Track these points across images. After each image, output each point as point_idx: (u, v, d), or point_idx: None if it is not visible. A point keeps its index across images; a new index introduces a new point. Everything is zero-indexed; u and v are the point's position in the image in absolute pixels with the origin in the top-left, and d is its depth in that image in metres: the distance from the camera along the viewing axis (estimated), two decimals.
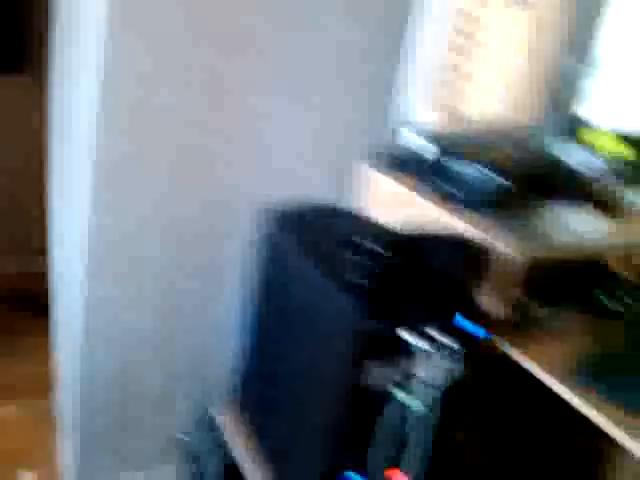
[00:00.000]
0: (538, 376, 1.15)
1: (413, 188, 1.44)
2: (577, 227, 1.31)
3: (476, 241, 1.23)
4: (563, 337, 1.26)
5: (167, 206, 1.60)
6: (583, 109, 1.63)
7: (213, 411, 1.66)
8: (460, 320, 1.16)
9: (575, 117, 1.64)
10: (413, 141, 1.49)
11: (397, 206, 1.47)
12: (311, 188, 1.70)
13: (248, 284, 1.57)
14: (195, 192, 1.62)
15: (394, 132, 1.54)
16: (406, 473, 1.18)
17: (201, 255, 1.69)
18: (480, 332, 1.17)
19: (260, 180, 1.66)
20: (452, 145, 1.43)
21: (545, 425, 1.39)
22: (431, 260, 1.19)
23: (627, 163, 1.56)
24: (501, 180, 1.30)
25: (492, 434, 1.35)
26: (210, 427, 1.67)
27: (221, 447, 1.59)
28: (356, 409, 1.14)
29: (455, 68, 1.44)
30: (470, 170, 1.33)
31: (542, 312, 1.27)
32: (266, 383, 1.46)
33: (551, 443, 1.45)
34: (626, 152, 1.59)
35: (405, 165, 1.50)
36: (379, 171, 1.54)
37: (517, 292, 1.22)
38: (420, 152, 1.47)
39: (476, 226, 1.26)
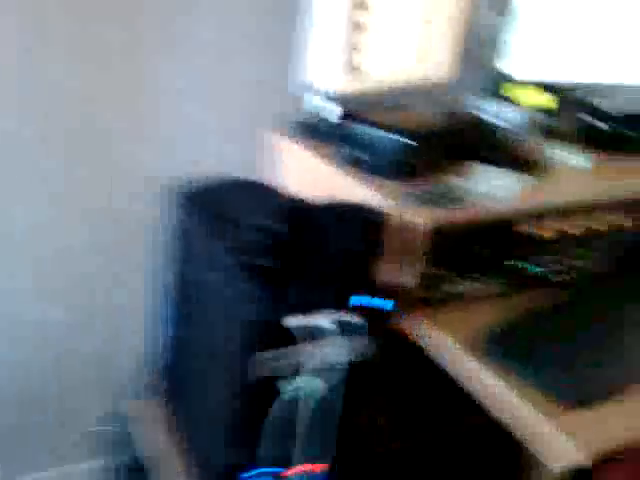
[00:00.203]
0: (447, 357, 1.06)
1: (320, 155, 1.34)
2: (493, 189, 1.22)
3: (381, 210, 1.14)
4: (479, 311, 1.17)
5: (59, 185, 1.47)
6: (503, 63, 1.54)
7: (130, 402, 1.56)
8: (362, 297, 1.06)
9: (495, 71, 1.54)
10: (320, 105, 1.39)
11: (306, 175, 1.37)
12: (222, 161, 1.58)
13: (159, 267, 1.46)
14: (91, 168, 1.49)
15: (301, 97, 1.43)
16: (316, 462, 1.09)
17: (107, 237, 1.57)
18: (386, 306, 1.07)
19: (163, 153, 1.54)
20: (360, 108, 1.33)
21: (465, 405, 1.30)
22: (332, 233, 1.09)
23: (550, 113, 1.48)
24: (409, 142, 1.21)
25: (410, 416, 1.27)
26: (127, 419, 1.57)
27: (138, 440, 1.49)
28: (253, 402, 1.04)
29: (361, 24, 1.33)
30: (377, 133, 1.24)
31: (456, 284, 1.18)
32: (181, 373, 1.36)
33: (471, 424, 1.37)
34: (549, 102, 1.51)
35: (312, 131, 1.40)
36: (287, 139, 1.44)
37: (427, 264, 1.13)
38: (326, 116, 1.37)
39: (381, 193, 1.17)
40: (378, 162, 1.24)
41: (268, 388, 0.99)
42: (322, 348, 1.02)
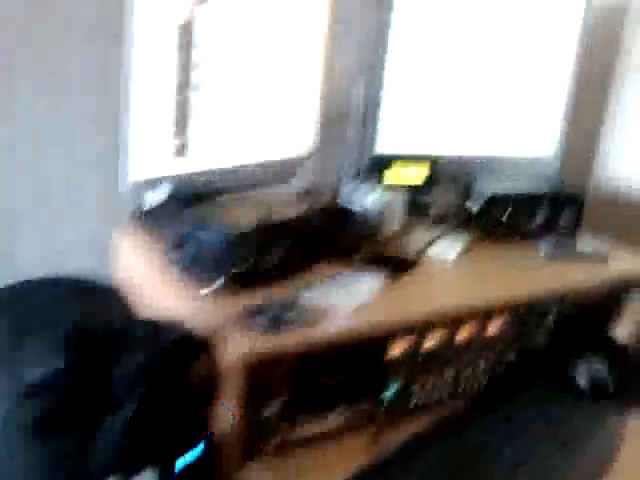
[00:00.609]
0: None
1: (145, 252, 1.14)
2: (344, 299, 1.01)
3: (200, 333, 0.91)
4: (330, 457, 0.95)
5: None
6: (372, 138, 1.37)
7: None
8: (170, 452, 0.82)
9: (363, 148, 1.37)
10: (153, 199, 1.17)
11: (135, 274, 1.19)
12: (71, 256, 1.35)
13: None
14: None
15: (137, 189, 1.20)
16: None
17: None
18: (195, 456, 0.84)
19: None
20: (187, 197, 1.11)
21: None
22: (133, 366, 0.85)
23: (421, 192, 1.30)
24: (237, 240, 0.99)
25: None
26: None
27: None
28: None
29: (190, 102, 1.12)
30: (201, 229, 1.02)
31: (300, 425, 0.95)
32: None
33: None
34: (420, 179, 1.35)
35: (143, 224, 1.19)
36: (123, 233, 1.24)
37: (255, 402, 0.91)
38: (157, 212, 1.15)
39: (198, 308, 0.96)
40: (201, 265, 1.02)
41: None
42: None
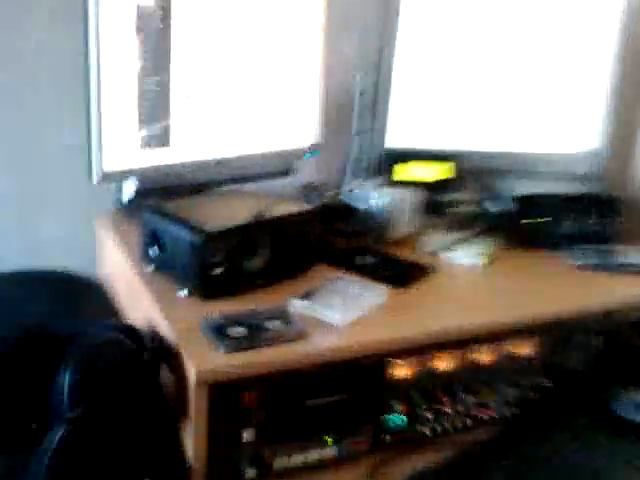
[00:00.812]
0: None
1: (120, 248, 1.02)
2: (348, 311, 0.85)
3: (169, 345, 0.77)
4: None
5: None
6: (386, 135, 1.23)
7: None
8: None
9: (373, 143, 1.22)
10: (128, 192, 1.04)
11: (114, 271, 1.09)
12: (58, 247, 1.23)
13: None
14: None
15: (117, 181, 1.08)
16: None
17: None
18: None
19: None
20: (174, 196, 0.99)
21: None
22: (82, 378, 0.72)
23: (439, 189, 1.16)
24: (224, 245, 0.86)
25: None
26: None
27: None
28: None
29: (167, 90, 1.00)
30: (174, 228, 0.88)
31: (286, 455, 0.81)
32: None
33: None
34: (442, 174, 1.21)
35: (123, 221, 1.09)
36: (104, 225, 1.12)
37: (249, 425, 0.77)
38: (135, 206, 1.03)
39: (166, 316, 0.82)
40: (175, 265, 0.89)
41: None
42: None
